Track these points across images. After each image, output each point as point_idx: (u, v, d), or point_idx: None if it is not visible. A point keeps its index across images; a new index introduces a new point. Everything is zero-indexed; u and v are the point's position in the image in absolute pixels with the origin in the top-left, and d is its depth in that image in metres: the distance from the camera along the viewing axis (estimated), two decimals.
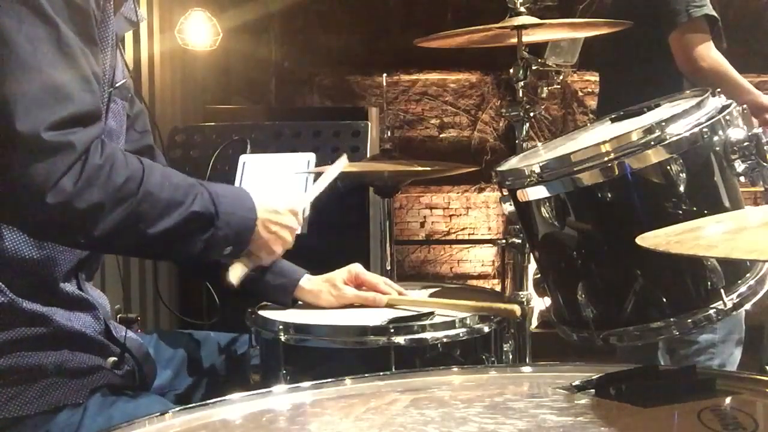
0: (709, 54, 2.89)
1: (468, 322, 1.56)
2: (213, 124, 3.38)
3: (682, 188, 1.43)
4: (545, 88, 2.00)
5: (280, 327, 1.55)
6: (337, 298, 1.71)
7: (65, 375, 1.41)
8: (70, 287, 1.47)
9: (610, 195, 1.46)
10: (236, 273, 1.56)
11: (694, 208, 1.44)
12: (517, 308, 1.59)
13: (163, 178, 1.39)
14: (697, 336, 2.83)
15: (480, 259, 6.73)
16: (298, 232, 1.62)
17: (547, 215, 1.51)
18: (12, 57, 1.25)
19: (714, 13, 2.90)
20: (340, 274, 1.74)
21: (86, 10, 1.34)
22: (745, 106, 1.54)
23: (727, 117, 1.48)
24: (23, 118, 1.23)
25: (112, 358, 1.49)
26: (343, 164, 1.82)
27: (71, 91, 1.29)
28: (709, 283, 1.44)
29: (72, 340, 1.44)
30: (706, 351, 2.87)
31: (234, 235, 1.46)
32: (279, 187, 2.88)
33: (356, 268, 1.75)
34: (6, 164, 1.24)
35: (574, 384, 1.11)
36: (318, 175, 1.80)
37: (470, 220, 6.75)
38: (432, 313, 1.57)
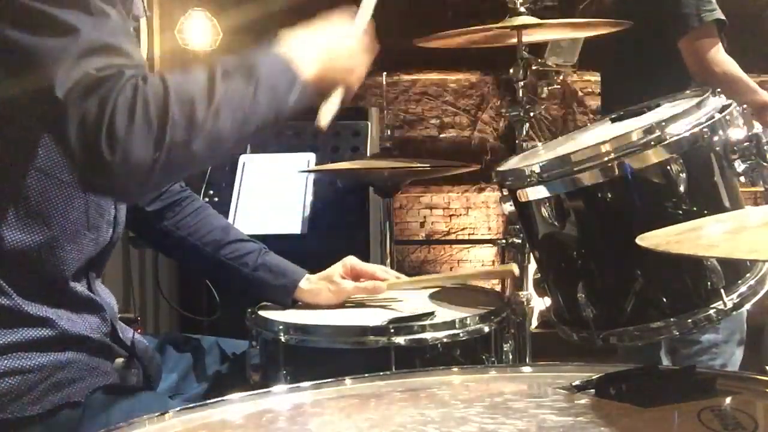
0: (722, 59, 2.90)
1: (468, 322, 1.56)
2: None
3: (682, 188, 1.43)
4: (545, 88, 2.00)
5: (280, 327, 1.55)
6: (337, 294, 1.71)
7: (68, 376, 1.41)
8: (79, 287, 1.45)
9: (610, 195, 1.46)
10: (325, 115, 1.44)
11: (695, 208, 1.44)
12: (514, 267, 1.59)
13: (181, 77, 1.30)
14: (699, 336, 2.83)
15: (480, 259, 6.73)
16: (296, 231, 1.59)
17: (547, 215, 1.51)
18: (79, 43, 1.22)
19: (723, 17, 2.91)
20: (336, 269, 1.74)
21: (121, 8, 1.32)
22: (745, 105, 1.54)
23: (727, 117, 1.48)
24: (66, 80, 1.19)
25: (119, 360, 1.49)
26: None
27: (113, 45, 1.25)
28: (709, 283, 1.44)
29: (77, 342, 1.42)
30: (709, 351, 2.87)
31: (285, 86, 1.35)
32: (279, 187, 2.88)
33: (350, 260, 1.75)
34: (60, 125, 1.19)
35: (574, 384, 1.11)
36: (316, 184, 1.80)
37: (470, 220, 6.75)
38: (432, 313, 1.58)
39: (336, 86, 1.45)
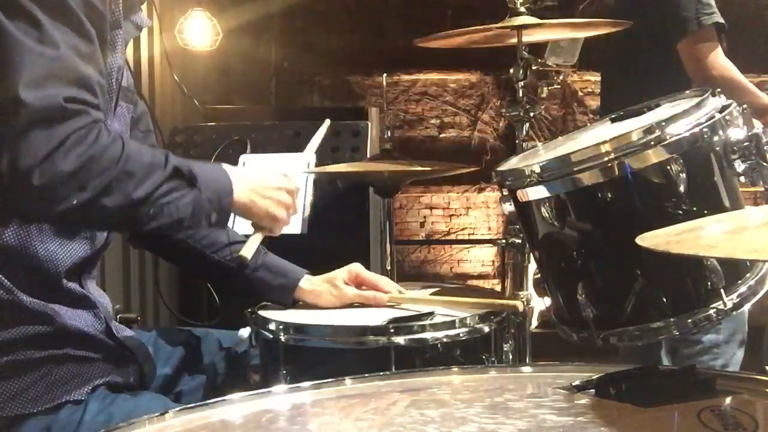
0: (720, 62, 2.90)
1: (468, 322, 1.56)
2: (213, 124, 3.38)
3: (682, 188, 1.43)
4: (545, 88, 1.99)
5: (280, 327, 1.55)
6: (338, 298, 1.71)
7: (66, 373, 1.42)
8: (72, 285, 1.47)
9: (610, 195, 1.46)
10: (248, 248, 1.56)
11: (694, 208, 1.44)
12: (519, 304, 1.59)
13: (138, 145, 1.42)
14: (701, 336, 2.83)
15: (480, 259, 6.74)
16: (296, 231, 1.63)
17: (547, 215, 1.51)
18: (41, 37, 1.28)
19: (722, 20, 2.91)
20: (340, 274, 1.74)
21: (103, 13, 1.38)
22: (745, 106, 1.54)
23: (727, 117, 1.48)
24: (36, 89, 1.26)
25: (113, 356, 1.50)
26: (325, 127, 1.89)
27: (92, 83, 1.34)
28: (709, 283, 1.44)
29: (74, 338, 1.44)
30: (710, 351, 2.87)
31: (216, 198, 1.45)
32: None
33: (356, 267, 1.76)
34: (2, 132, 1.26)
35: (574, 384, 1.11)
36: (317, 184, 1.84)
37: (470, 220, 6.75)
38: (432, 313, 1.58)
39: (260, 222, 1.57)
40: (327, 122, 1.92)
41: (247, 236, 1.60)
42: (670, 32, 2.91)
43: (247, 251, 1.56)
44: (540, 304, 1.70)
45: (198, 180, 1.42)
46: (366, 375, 1.22)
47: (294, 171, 1.66)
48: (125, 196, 1.34)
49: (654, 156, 1.43)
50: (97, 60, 1.36)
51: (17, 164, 1.25)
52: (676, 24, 2.90)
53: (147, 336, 1.70)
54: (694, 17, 2.88)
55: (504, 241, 1.83)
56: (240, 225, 2.26)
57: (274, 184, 1.56)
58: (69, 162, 1.27)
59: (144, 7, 1.66)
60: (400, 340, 1.49)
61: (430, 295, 1.80)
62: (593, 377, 1.11)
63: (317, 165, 2.85)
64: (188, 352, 1.75)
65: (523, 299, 1.78)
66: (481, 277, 6.70)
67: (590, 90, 6.48)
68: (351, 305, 1.72)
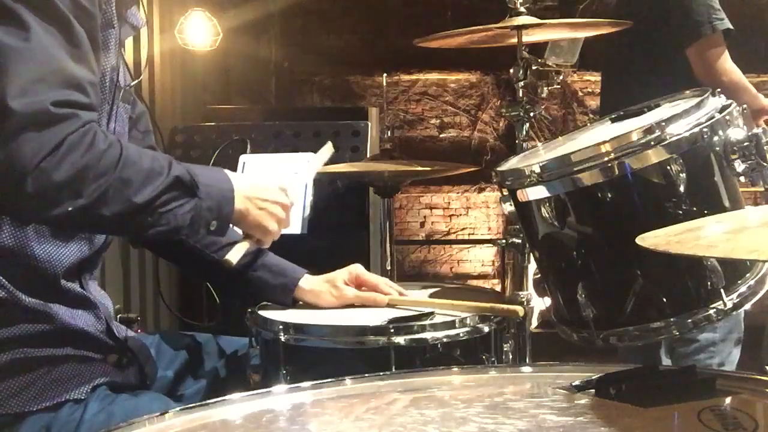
0: (729, 68, 2.92)
1: (468, 322, 1.56)
2: (213, 124, 3.38)
3: (682, 188, 1.43)
4: (545, 88, 1.99)
5: (280, 327, 1.55)
6: (338, 299, 1.71)
7: (67, 371, 1.42)
8: (71, 285, 1.47)
9: (610, 195, 1.46)
10: (235, 252, 1.55)
11: (694, 208, 1.44)
12: (519, 309, 1.59)
13: (138, 150, 1.40)
14: (697, 335, 2.84)
15: (480, 259, 6.73)
16: (296, 231, 1.62)
17: (547, 215, 1.51)
18: (28, 37, 1.27)
19: (731, 26, 2.92)
20: (340, 275, 1.74)
21: (92, 13, 1.37)
22: (745, 106, 1.54)
23: (727, 117, 1.48)
24: (25, 95, 1.25)
25: (114, 356, 1.50)
26: (329, 150, 1.86)
27: (81, 82, 1.32)
28: (709, 283, 1.44)
29: (74, 337, 1.44)
30: (706, 350, 2.88)
31: (216, 206, 1.44)
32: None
33: (357, 268, 1.76)
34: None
35: (574, 384, 1.11)
36: (317, 184, 1.83)
37: (470, 220, 6.75)
38: (432, 313, 1.57)
39: (250, 231, 1.56)
40: (329, 145, 1.89)
41: (236, 241, 1.59)
42: (682, 35, 2.91)
43: (233, 256, 1.55)
44: (540, 304, 1.70)
45: (199, 188, 1.41)
46: (366, 375, 1.22)
47: (293, 184, 1.66)
48: (123, 203, 1.33)
49: (654, 156, 1.43)
50: (88, 60, 1.35)
51: (10, 171, 1.24)
52: (689, 28, 2.90)
53: (150, 339, 1.70)
54: (708, 21, 2.89)
55: (504, 241, 1.83)
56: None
57: (271, 196, 1.56)
58: (63, 170, 1.26)
59: (145, 7, 1.65)
60: (400, 340, 1.49)
61: (430, 296, 1.80)
62: (593, 377, 1.11)
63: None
64: (190, 356, 1.75)
65: (523, 300, 1.78)
66: (481, 277, 6.70)
67: (590, 90, 6.48)
68: (351, 305, 1.72)
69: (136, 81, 1.62)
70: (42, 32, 1.28)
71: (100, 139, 1.32)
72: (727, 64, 2.92)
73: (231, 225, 1.51)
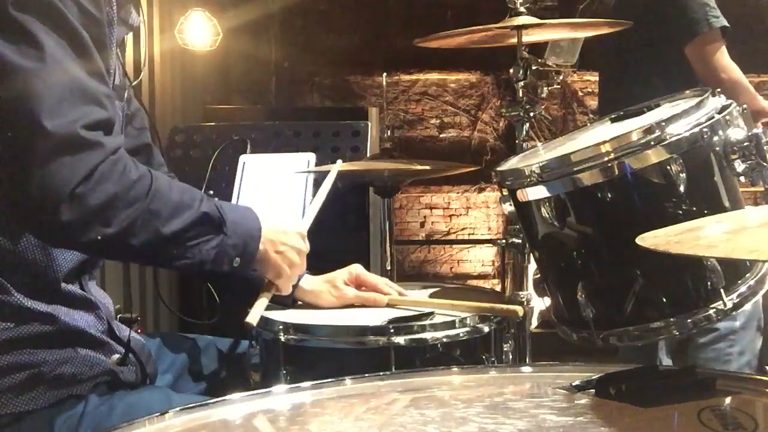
0: (727, 64, 2.93)
1: (468, 322, 1.56)
2: (213, 124, 3.37)
3: (682, 188, 1.43)
4: (545, 88, 1.99)
5: (280, 327, 1.55)
6: (338, 299, 1.71)
7: (69, 372, 1.42)
8: (72, 287, 1.47)
9: (610, 195, 1.46)
10: (255, 313, 1.54)
11: (694, 208, 1.44)
12: (519, 309, 1.59)
13: (169, 182, 1.41)
14: (716, 323, 2.83)
15: (480, 259, 6.73)
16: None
17: (547, 215, 1.51)
18: (43, 56, 1.27)
19: (728, 24, 2.93)
20: (340, 275, 1.74)
21: (99, 19, 1.37)
22: (745, 106, 1.54)
23: (727, 117, 1.48)
24: (55, 116, 1.25)
25: (116, 356, 1.50)
26: (335, 174, 1.88)
27: (98, 96, 1.32)
28: (709, 283, 1.44)
29: (76, 338, 1.44)
30: (726, 338, 2.87)
31: (242, 244, 1.46)
32: (279, 187, 2.88)
33: (357, 269, 1.76)
34: (27, 162, 1.24)
35: (574, 384, 1.11)
36: (316, 184, 1.83)
37: (470, 220, 6.75)
38: (432, 313, 1.57)
39: (264, 273, 1.57)
40: (339, 163, 1.91)
41: (252, 302, 1.58)
42: (680, 34, 2.92)
43: (253, 318, 1.54)
44: (540, 304, 1.70)
45: (227, 225, 1.42)
46: (366, 375, 1.22)
47: (306, 222, 1.70)
48: (150, 234, 1.34)
49: (654, 156, 1.43)
50: (100, 70, 1.35)
51: (45, 195, 1.24)
52: (686, 25, 2.91)
53: (151, 341, 1.70)
54: (704, 19, 2.90)
55: (504, 241, 1.83)
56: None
57: (290, 242, 1.57)
58: (96, 197, 1.27)
59: (144, 7, 1.65)
60: (400, 340, 1.49)
61: (430, 296, 1.80)
62: (593, 377, 1.11)
63: (317, 165, 2.86)
64: (190, 358, 1.75)
65: (523, 300, 1.78)
66: (481, 277, 6.70)
67: (590, 90, 6.48)
68: (351, 305, 1.72)
69: (135, 81, 1.62)
70: (55, 46, 1.27)
71: (131, 168, 1.33)
72: (724, 60, 2.92)
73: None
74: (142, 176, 1.34)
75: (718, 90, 1.55)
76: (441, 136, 6.72)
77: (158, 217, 1.34)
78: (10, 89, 1.26)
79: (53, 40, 1.28)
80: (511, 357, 1.68)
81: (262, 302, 1.57)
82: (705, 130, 1.44)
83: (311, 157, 2.93)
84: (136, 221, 1.32)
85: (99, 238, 1.29)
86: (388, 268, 2.25)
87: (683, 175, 1.42)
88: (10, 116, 1.26)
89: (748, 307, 1.50)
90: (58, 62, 1.27)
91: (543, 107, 1.95)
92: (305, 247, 1.61)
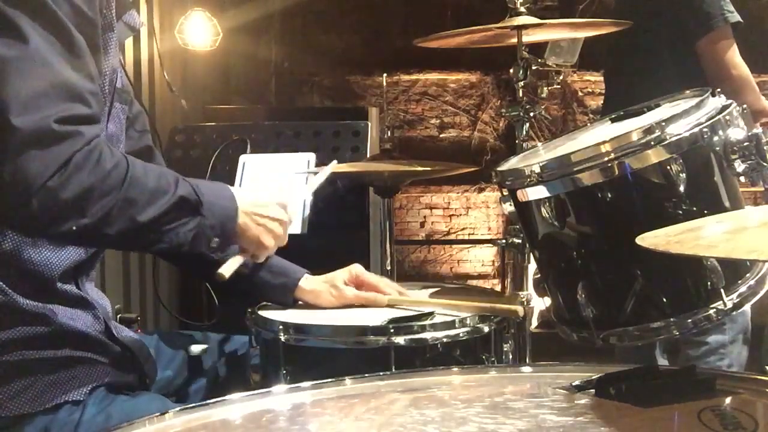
0: (739, 62, 2.92)
1: (468, 322, 1.56)
2: (213, 124, 3.38)
3: (682, 188, 1.43)
4: (545, 88, 2.00)
5: (280, 327, 1.55)
6: (338, 299, 1.71)
7: (66, 373, 1.42)
8: (68, 287, 1.47)
9: (610, 195, 1.46)
10: (228, 266, 1.56)
11: (694, 208, 1.44)
12: (519, 309, 1.59)
13: (145, 168, 1.40)
14: (706, 337, 2.83)
15: (480, 259, 6.74)
16: (296, 231, 1.62)
17: (547, 215, 1.51)
18: (26, 50, 1.26)
19: (741, 19, 2.92)
20: (340, 275, 1.74)
21: (93, 19, 1.36)
22: (745, 106, 1.54)
23: (727, 117, 1.48)
24: (26, 111, 1.24)
25: (113, 356, 1.50)
26: (332, 167, 1.88)
27: (83, 93, 1.31)
28: (709, 283, 1.44)
29: (73, 339, 1.44)
30: (717, 352, 2.87)
31: (219, 224, 1.45)
32: (279, 187, 2.88)
33: (357, 268, 1.76)
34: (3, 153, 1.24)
35: (574, 384, 1.11)
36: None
37: (470, 220, 6.75)
38: (432, 313, 1.57)
39: (246, 246, 1.57)
40: (333, 163, 1.91)
41: (229, 254, 1.59)
42: (693, 28, 2.90)
43: (226, 270, 1.55)
44: (540, 304, 1.70)
45: (204, 206, 1.42)
46: (366, 375, 1.22)
47: (292, 199, 1.66)
48: (126, 222, 1.33)
49: (654, 156, 1.43)
50: (88, 68, 1.35)
51: (16, 188, 1.24)
52: (700, 19, 2.89)
53: (149, 339, 1.71)
54: (720, 14, 2.88)
55: (504, 241, 1.83)
56: None
57: (270, 213, 1.56)
58: (69, 189, 1.26)
59: (144, 8, 1.65)
60: (400, 340, 1.49)
61: (430, 296, 1.80)
62: (593, 377, 1.11)
63: (317, 165, 2.86)
64: (189, 357, 1.75)
65: (523, 300, 1.78)
66: (481, 277, 6.70)
67: (590, 90, 6.48)
68: (351, 305, 1.72)
69: (123, 85, 1.62)
70: (41, 42, 1.27)
71: (106, 157, 1.32)
72: (736, 57, 2.91)
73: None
74: (118, 164, 1.33)
75: (718, 90, 1.55)
76: (441, 136, 6.72)
77: (134, 205, 1.34)
78: None
79: (40, 35, 1.27)
80: (511, 357, 1.68)
81: (237, 259, 1.57)
82: (705, 130, 1.44)
83: (311, 157, 2.93)
84: (111, 210, 1.31)
85: (74, 228, 1.29)
86: (388, 268, 2.25)
87: (683, 175, 1.42)
88: None
89: (747, 307, 1.50)
90: (42, 57, 1.27)
91: (543, 107, 1.95)
92: (286, 217, 1.60)
